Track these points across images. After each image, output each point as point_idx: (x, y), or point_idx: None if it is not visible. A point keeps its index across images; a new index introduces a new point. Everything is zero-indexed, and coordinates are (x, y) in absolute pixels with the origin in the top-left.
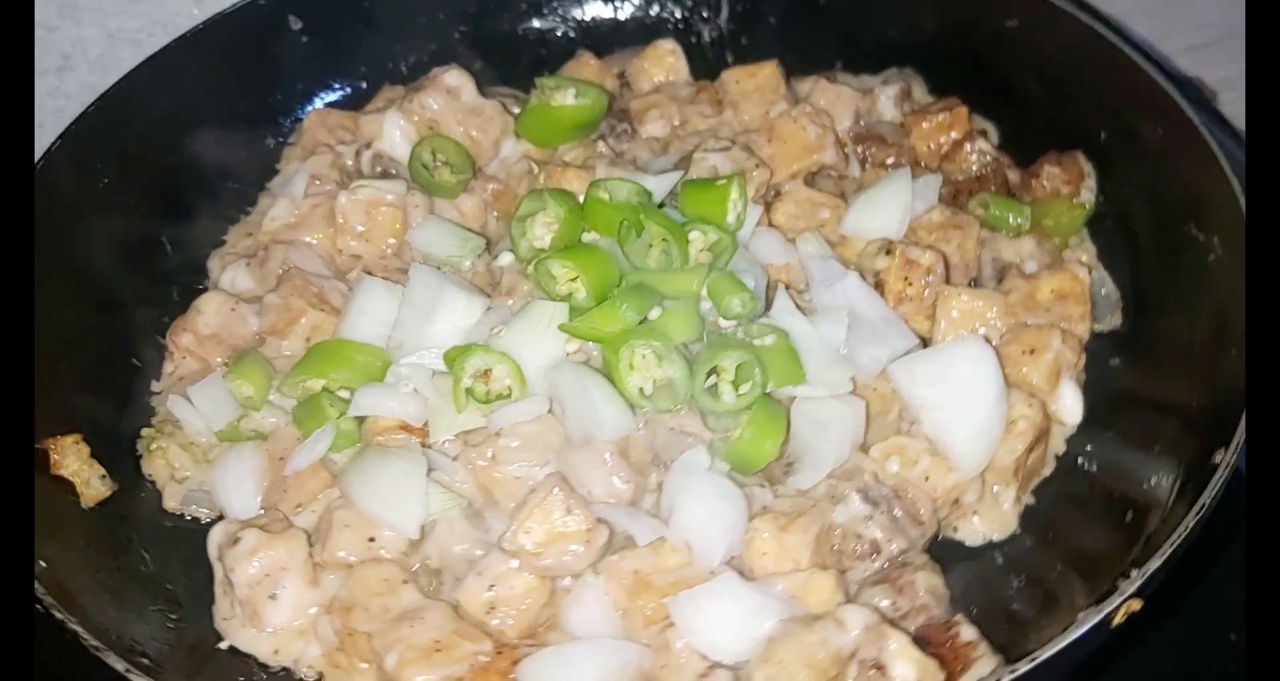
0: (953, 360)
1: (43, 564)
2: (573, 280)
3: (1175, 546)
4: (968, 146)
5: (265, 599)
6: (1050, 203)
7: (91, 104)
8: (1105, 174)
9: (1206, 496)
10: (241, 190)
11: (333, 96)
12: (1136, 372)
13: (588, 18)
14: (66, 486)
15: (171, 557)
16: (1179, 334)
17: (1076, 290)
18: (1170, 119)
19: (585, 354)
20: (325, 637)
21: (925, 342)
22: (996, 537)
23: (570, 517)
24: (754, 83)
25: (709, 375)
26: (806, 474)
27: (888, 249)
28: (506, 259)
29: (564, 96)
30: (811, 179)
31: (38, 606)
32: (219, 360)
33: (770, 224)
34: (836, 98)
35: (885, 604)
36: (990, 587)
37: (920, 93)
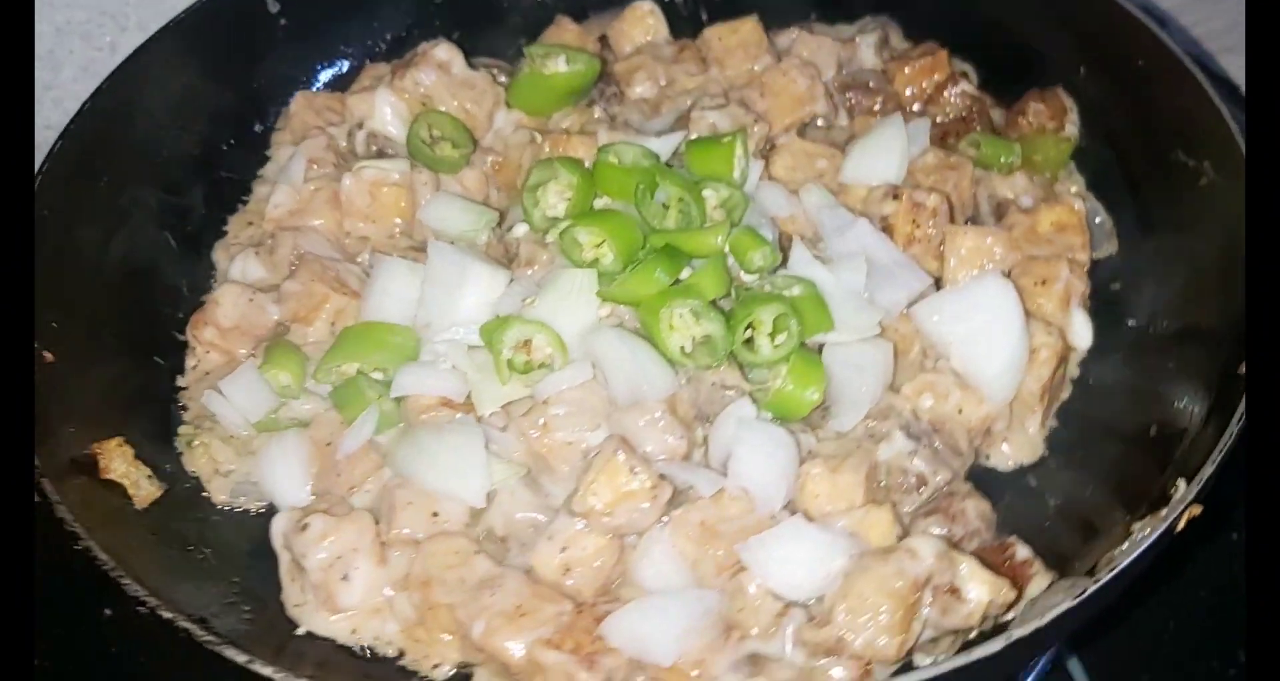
0: (976, 297)
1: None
2: (598, 246)
3: (1224, 453)
4: (950, 89)
5: (338, 581)
6: (1037, 138)
7: (85, 102)
8: (1087, 107)
9: (1242, 405)
10: (234, 180)
11: (316, 78)
12: (1138, 295)
13: None
14: (119, 490)
15: (231, 551)
16: (1179, 256)
17: (1074, 221)
18: (1148, 49)
19: (617, 317)
20: (402, 614)
21: (937, 282)
22: (1027, 462)
23: (635, 477)
24: (736, 38)
25: (745, 329)
26: (846, 416)
27: (894, 193)
28: (521, 230)
29: (555, 64)
30: (802, 131)
31: (140, 609)
32: (243, 352)
33: (770, 178)
34: (818, 48)
35: (941, 533)
36: (1028, 510)
37: (897, 39)
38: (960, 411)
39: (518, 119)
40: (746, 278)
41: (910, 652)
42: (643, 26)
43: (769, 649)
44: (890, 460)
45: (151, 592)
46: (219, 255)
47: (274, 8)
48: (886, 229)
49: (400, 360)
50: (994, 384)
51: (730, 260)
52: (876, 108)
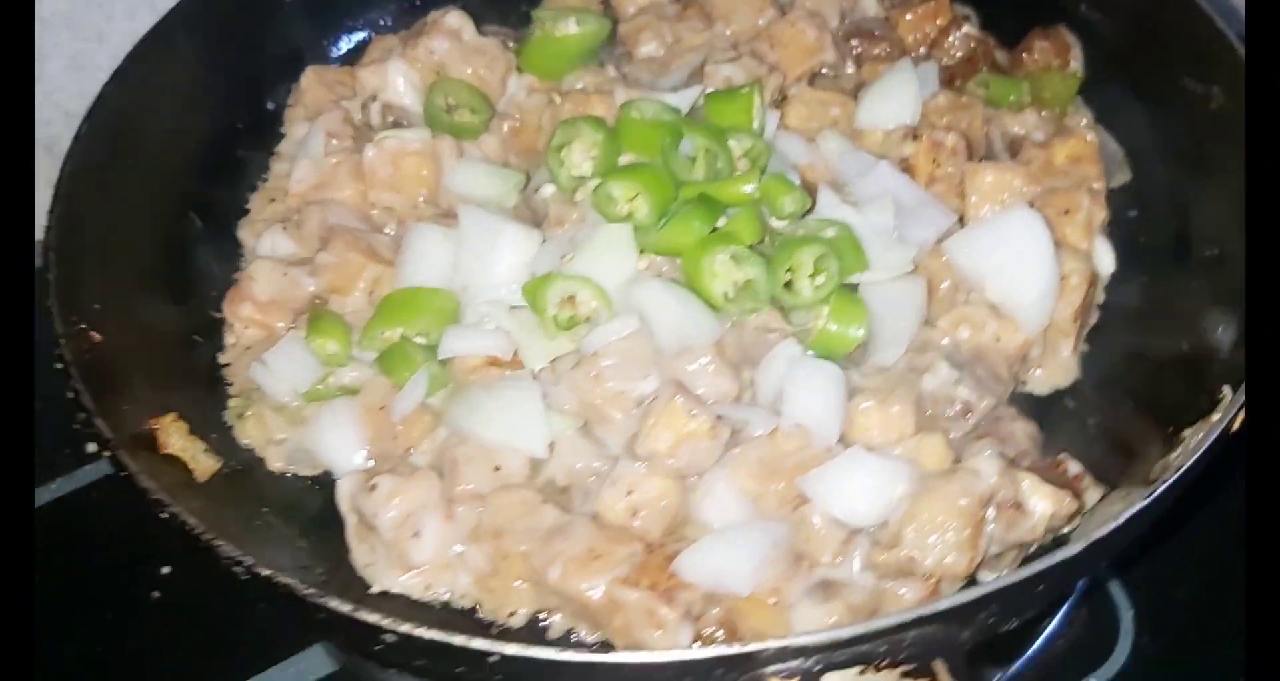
0: (1005, 229)
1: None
2: (632, 200)
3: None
4: (953, 33)
5: (410, 538)
6: (1043, 76)
7: (105, 85)
8: (1090, 42)
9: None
10: (251, 157)
11: (324, 53)
12: (1155, 221)
13: None
14: (179, 464)
15: (294, 517)
16: (1193, 181)
17: (1088, 152)
18: None
19: (655, 268)
20: (474, 566)
21: (960, 219)
22: (1062, 385)
23: (694, 419)
24: None
25: (785, 272)
26: (888, 351)
27: (914, 134)
28: (548, 190)
29: (566, 26)
30: (812, 80)
31: (237, 569)
32: (281, 325)
33: (785, 128)
34: None
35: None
36: (1069, 430)
37: None
38: (998, 340)
39: (530, 83)
40: (777, 224)
41: (977, 569)
42: None
43: (839, 575)
44: (935, 390)
45: (247, 552)
46: (244, 233)
47: None
48: (907, 170)
49: (443, 323)
50: (1029, 311)
51: (761, 208)
52: (882, 54)
